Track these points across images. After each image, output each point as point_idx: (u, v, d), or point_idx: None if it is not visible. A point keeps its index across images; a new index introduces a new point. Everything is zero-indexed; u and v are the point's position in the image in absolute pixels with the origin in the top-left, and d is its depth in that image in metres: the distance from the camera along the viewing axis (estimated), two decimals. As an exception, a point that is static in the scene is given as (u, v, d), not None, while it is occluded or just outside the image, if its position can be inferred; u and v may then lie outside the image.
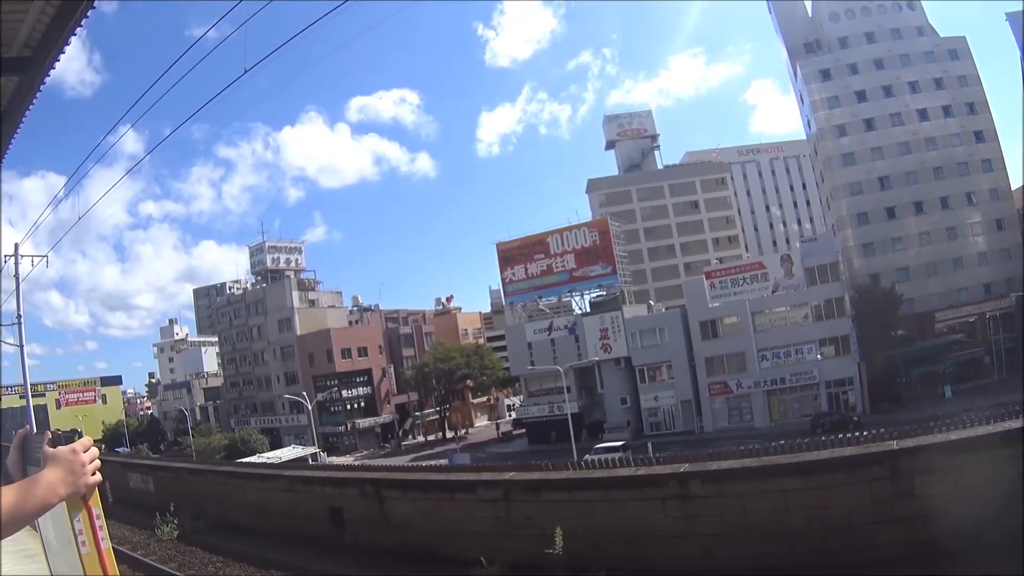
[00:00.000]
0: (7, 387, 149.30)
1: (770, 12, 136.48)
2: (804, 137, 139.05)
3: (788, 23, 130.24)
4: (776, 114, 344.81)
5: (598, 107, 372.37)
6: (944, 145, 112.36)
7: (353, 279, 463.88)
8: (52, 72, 15.30)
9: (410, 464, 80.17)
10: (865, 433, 23.30)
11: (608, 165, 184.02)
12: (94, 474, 3.39)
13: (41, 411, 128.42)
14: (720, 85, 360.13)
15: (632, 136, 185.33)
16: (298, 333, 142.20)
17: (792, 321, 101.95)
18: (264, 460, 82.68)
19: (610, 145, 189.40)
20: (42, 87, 15.88)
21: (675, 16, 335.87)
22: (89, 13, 13.23)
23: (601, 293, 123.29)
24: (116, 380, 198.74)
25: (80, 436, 3.42)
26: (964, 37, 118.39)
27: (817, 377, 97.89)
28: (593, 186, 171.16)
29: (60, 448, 3.32)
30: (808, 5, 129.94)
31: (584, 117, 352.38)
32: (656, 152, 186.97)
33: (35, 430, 3.98)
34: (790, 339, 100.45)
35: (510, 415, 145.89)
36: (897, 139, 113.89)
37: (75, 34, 13.84)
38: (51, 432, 3.43)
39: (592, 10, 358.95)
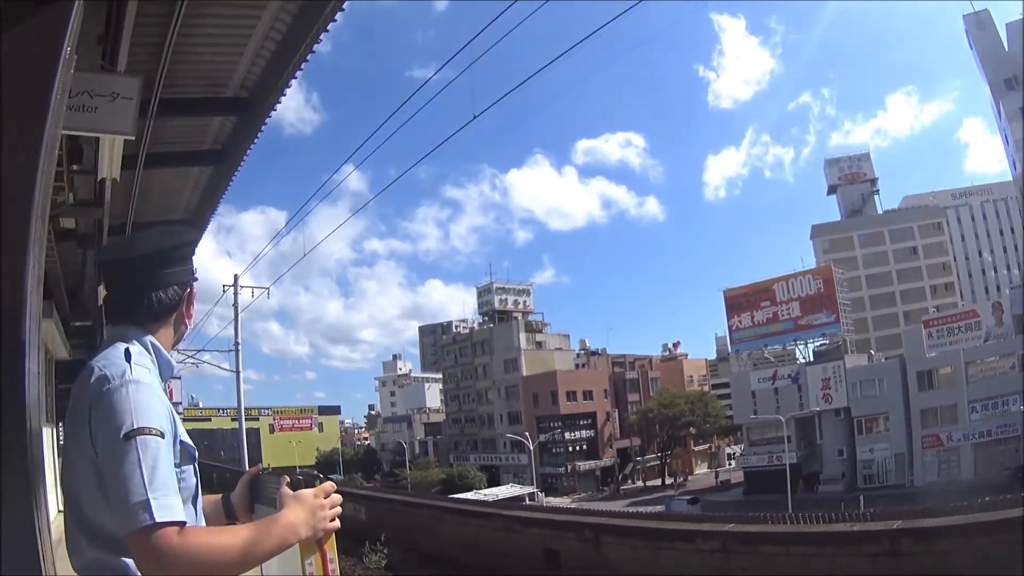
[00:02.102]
0: (219, 409, 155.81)
1: (971, 48, 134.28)
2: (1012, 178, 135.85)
3: (987, 58, 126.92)
4: (988, 153, 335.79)
5: (819, 149, 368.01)
6: None
7: (581, 322, 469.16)
8: (272, 114, 16.44)
9: (627, 509, 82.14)
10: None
11: (831, 209, 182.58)
12: (333, 520, 3.44)
13: (253, 435, 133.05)
14: (933, 124, 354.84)
15: (852, 180, 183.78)
16: (524, 374, 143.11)
17: (1000, 371, 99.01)
18: (480, 497, 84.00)
19: (831, 189, 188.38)
20: (263, 128, 17.08)
21: (887, 52, 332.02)
22: (308, 57, 14.02)
23: (824, 342, 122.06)
24: (335, 410, 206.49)
25: (321, 481, 3.52)
26: None
27: (1020, 429, 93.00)
28: (816, 232, 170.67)
29: (302, 490, 3.40)
30: (1003, 37, 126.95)
31: (807, 159, 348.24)
32: (875, 196, 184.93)
33: (260, 464, 4.51)
34: (998, 390, 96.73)
35: (729, 463, 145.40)
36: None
37: (294, 77, 14.81)
38: (290, 475, 3.52)
39: (808, 48, 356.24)
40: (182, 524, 2.80)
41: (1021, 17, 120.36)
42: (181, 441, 3.13)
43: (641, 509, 78.57)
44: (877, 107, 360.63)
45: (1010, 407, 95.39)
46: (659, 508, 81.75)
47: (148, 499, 2.71)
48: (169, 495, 2.81)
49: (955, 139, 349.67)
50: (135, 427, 2.82)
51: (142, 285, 3.35)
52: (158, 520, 2.70)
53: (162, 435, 2.90)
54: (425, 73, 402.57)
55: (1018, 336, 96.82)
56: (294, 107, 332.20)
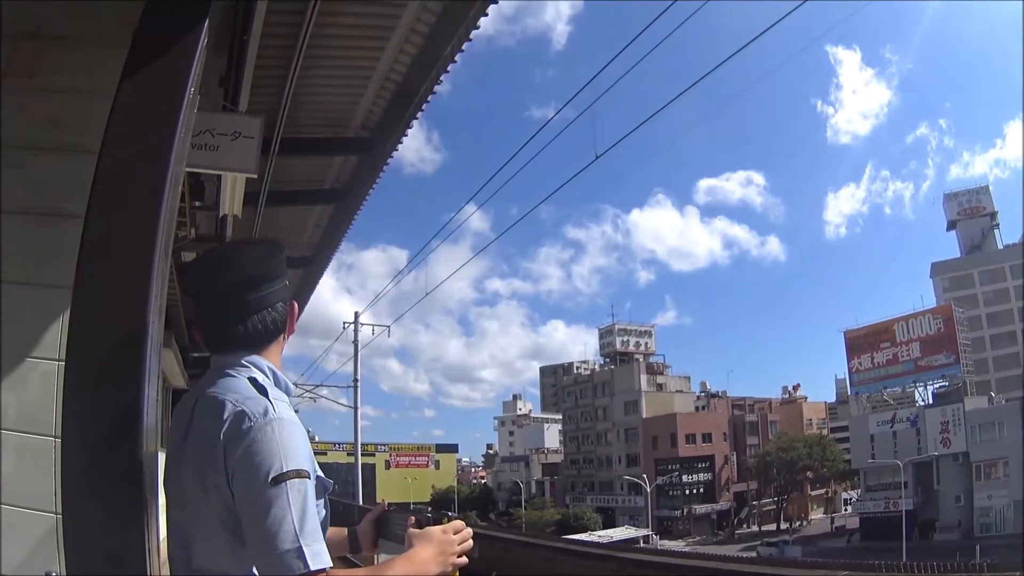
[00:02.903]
0: (335, 443, 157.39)
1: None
2: None
3: None
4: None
5: (939, 183, 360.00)
6: None
7: (701, 364, 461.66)
8: (394, 154, 16.76)
9: (740, 553, 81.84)
10: None
11: (951, 245, 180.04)
12: (462, 556, 3.46)
13: (368, 470, 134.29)
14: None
15: (971, 215, 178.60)
16: (644, 416, 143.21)
17: None
18: (594, 539, 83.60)
19: (951, 225, 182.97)
20: (384, 168, 17.42)
21: (1004, 77, 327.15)
22: (430, 98, 14.15)
23: (944, 383, 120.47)
24: (452, 448, 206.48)
25: (449, 519, 3.54)
26: None
27: None
28: (936, 270, 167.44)
29: (432, 528, 3.42)
30: None
31: (926, 194, 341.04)
32: (996, 231, 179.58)
33: (385, 500, 4.64)
34: None
35: (846, 509, 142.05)
36: None
37: (416, 117, 14.90)
38: (417, 514, 3.59)
39: (924, 78, 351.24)
40: (326, 569, 2.81)
41: None
42: (318, 476, 3.09)
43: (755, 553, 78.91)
44: (995, 136, 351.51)
45: None
46: (772, 552, 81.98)
47: (301, 547, 2.76)
48: (319, 540, 2.86)
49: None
50: (284, 470, 2.83)
51: (249, 304, 3.29)
52: (312, 568, 2.75)
53: (309, 476, 2.93)
54: (545, 113, 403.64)
55: None
56: (415, 147, 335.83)
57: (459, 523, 3.50)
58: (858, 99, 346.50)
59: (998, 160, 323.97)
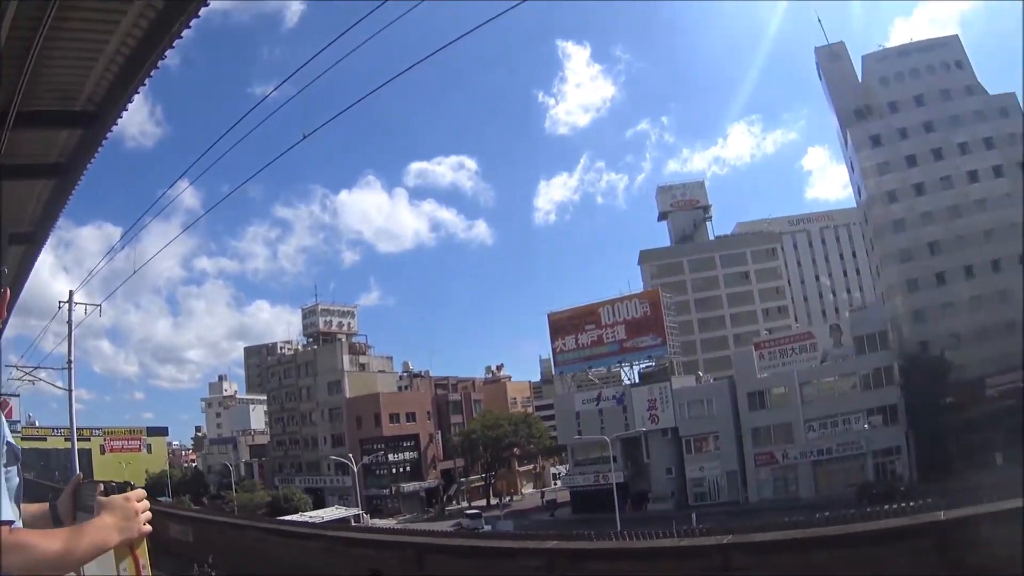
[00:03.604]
0: (54, 429, 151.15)
1: (820, 79, 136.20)
2: (855, 204, 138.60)
3: (838, 90, 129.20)
4: (830, 181, 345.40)
5: (655, 176, 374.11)
6: (995, 207, 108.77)
7: (405, 345, 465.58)
8: (115, 127, 16.28)
9: (451, 529, 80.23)
10: (912, 503, 22.86)
11: (662, 235, 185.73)
12: (145, 524, 3.57)
13: (85, 455, 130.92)
14: (776, 152, 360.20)
15: (684, 207, 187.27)
16: (347, 396, 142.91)
17: (840, 391, 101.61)
18: (306, 519, 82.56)
19: (663, 216, 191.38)
20: (105, 141, 16.81)
21: (732, 83, 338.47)
22: (152, 73, 13.82)
23: (650, 364, 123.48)
24: (162, 431, 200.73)
25: (132, 488, 3.64)
26: (1014, 94, 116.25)
27: (864, 447, 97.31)
28: (645, 257, 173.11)
29: (114, 496, 3.51)
30: (858, 70, 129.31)
31: (641, 186, 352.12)
32: (708, 223, 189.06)
33: (80, 474, 4.38)
34: (837, 409, 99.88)
35: (556, 484, 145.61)
36: (947, 203, 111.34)
37: (138, 92, 14.60)
38: (104, 482, 3.65)
39: (652, 78, 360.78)
40: (10, 523, 2.99)
41: (879, 48, 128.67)
42: (7, 442, 3.23)
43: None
44: (718, 135, 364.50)
45: (852, 426, 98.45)
46: (487, 528, 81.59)
47: None
48: (3, 496, 2.99)
49: (797, 167, 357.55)
50: None
51: None
52: None
53: None
54: (265, 90, 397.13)
55: (858, 356, 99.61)
56: (138, 120, 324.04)
57: (141, 492, 3.76)
58: (581, 93, 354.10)
59: (717, 158, 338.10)
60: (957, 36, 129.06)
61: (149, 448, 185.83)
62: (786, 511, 69.83)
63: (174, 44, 13.00)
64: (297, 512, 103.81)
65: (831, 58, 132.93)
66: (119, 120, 15.95)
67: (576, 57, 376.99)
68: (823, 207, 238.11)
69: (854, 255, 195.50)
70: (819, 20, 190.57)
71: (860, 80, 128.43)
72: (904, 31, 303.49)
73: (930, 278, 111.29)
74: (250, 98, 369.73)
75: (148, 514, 3.63)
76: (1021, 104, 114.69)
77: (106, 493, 3.57)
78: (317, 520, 79.79)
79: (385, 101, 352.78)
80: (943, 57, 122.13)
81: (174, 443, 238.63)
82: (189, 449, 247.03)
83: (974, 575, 18.16)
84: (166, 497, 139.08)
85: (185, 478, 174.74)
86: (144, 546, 3.80)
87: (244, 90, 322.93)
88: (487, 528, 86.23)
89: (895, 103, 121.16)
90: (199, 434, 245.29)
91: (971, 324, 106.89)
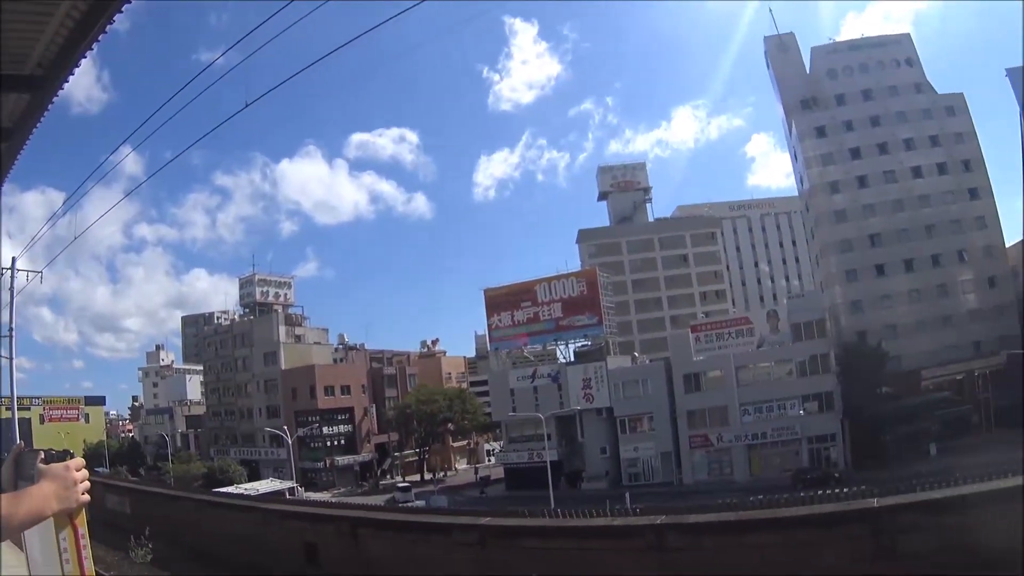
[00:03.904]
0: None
1: (768, 68, 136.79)
2: (797, 193, 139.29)
3: (785, 80, 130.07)
4: (773, 168, 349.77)
5: (597, 156, 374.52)
6: (937, 203, 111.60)
7: (341, 317, 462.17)
8: (61, 92, 15.80)
9: (384, 503, 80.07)
10: (846, 490, 23.18)
11: (602, 215, 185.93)
12: (84, 493, 3.60)
13: (25, 425, 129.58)
14: (720, 138, 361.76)
15: (624, 188, 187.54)
16: (283, 368, 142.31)
17: (776, 377, 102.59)
18: (241, 491, 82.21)
19: (603, 196, 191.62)
20: (51, 105, 16.26)
21: (680, 67, 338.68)
22: (100, 37, 13.44)
23: (586, 343, 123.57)
24: (100, 400, 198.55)
25: (72, 456, 3.66)
26: (962, 94, 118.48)
27: (799, 432, 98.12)
28: (583, 236, 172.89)
29: (54, 464, 3.55)
30: (807, 62, 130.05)
31: (582, 165, 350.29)
32: (648, 205, 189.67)
33: (21, 442, 4.31)
34: (773, 394, 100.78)
35: (490, 460, 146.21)
36: (890, 196, 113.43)
37: (85, 56, 14.12)
38: (45, 450, 3.69)
39: (599, 58, 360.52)
40: None
41: (829, 41, 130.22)
42: None
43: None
44: (662, 118, 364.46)
45: (787, 411, 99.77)
46: (420, 503, 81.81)
47: None
48: None
49: (740, 153, 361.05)
50: None
51: None
52: None
53: None
54: (212, 56, 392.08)
55: (795, 343, 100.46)
56: (85, 84, 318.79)
57: (80, 461, 3.78)
58: (527, 70, 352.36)
59: (660, 140, 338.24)
60: (909, 34, 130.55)
61: (87, 418, 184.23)
62: (720, 493, 70.58)
63: (123, 9, 12.73)
64: (232, 484, 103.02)
65: (780, 48, 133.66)
66: (64, 84, 15.50)
67: (523, 34, 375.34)
68: (765, 194, 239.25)
69: (794, 243, 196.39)
70: (770, 11, 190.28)
71: (808, 72, 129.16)
72: (856, 27, 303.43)
73: (869, 269, 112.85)
74: (196, 64, 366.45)
75: (87, 484, 3.66)
76: (968, 104, 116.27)
77: (47, 461, 3.61)
78: (252, 492, 79.80)
79: (330, 70, 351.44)
80: (894, 54, 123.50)
81: (112, 413, 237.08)
82: (126, 419, 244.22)
83: (906, 561, 18.53)
84: (103, 468, 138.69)
85: (122, 449, 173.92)
86: (83, 516, 3.90)
87: (191, 56, 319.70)
88: (418, 503, 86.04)
89: (842, 96, 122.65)
90: (136, 404, 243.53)
91: (909, 316, 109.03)
